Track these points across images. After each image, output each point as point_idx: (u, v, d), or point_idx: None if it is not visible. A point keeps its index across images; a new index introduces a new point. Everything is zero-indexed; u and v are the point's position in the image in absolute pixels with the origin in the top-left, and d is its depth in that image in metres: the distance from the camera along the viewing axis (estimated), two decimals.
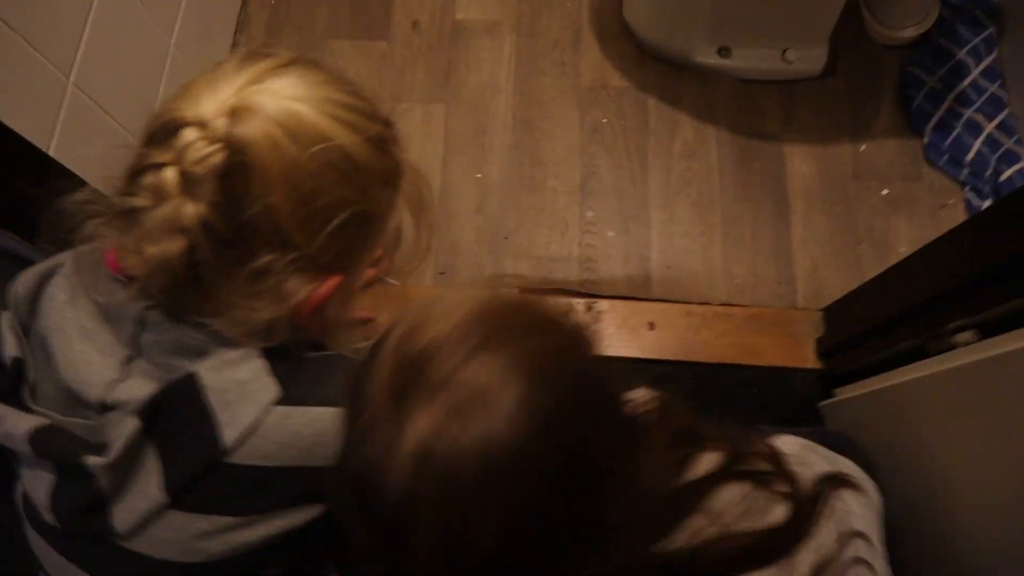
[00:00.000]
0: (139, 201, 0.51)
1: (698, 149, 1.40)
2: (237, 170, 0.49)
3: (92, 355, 0.54)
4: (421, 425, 0.39)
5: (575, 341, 0.46)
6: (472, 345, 0.42)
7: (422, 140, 1.41)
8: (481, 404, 0.39)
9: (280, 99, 0.52)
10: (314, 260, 0.54)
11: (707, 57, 1.41)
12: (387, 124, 0.59)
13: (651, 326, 1.27)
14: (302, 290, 0.55)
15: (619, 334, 1.26)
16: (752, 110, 1.42)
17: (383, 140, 0.58)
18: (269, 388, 0.55)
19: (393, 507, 0.40)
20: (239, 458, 0.54)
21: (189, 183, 0.49)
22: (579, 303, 1.29)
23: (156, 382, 0.53)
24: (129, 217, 0.52)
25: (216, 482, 0.54)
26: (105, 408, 0.54)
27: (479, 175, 1.39)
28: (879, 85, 1.44)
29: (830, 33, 1.38)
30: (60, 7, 0.95)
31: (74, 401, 0.55)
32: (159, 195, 0.50)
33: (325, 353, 0.62)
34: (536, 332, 0.45)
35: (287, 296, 0.54)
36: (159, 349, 0.55)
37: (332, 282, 0.57)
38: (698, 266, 1.32)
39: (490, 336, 0.42)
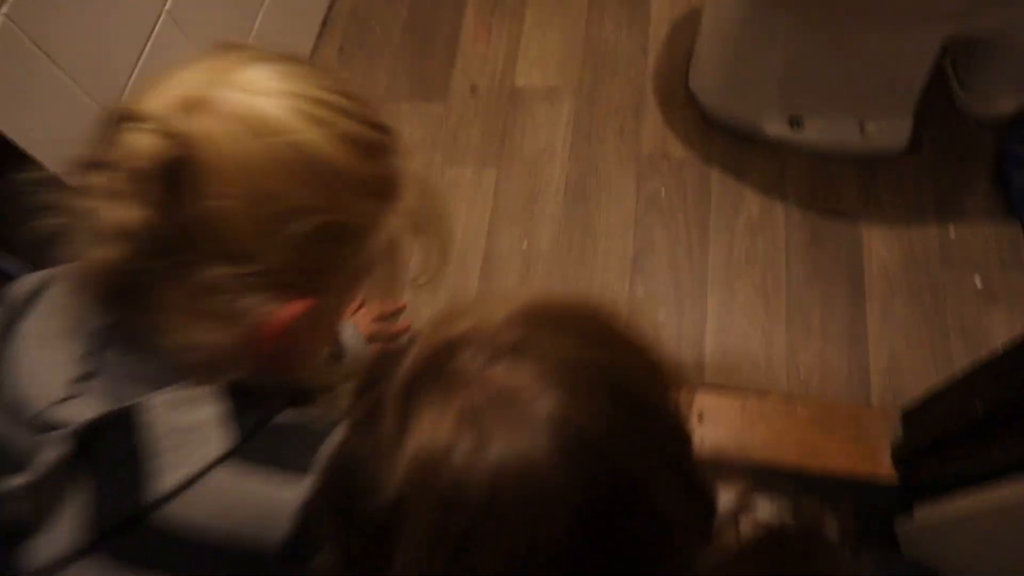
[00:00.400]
0: (86, 200, 0.46)
1: (764, 226, 1.29)
2: (185, 168, 0.44)
3: (43, 367, 0.50)
4: (427, 427, 0.33)
5: (643, 365, 0.39)
6: (508, 343, 0.35)
7: (470, 205, 1.36)
8: (503, 414, 0.33)
9: (245, 92, 0.47)
10: (276, 277, 0.48)
11: (777, 128, 1.31)
12: (382, 129, 0.53)
13: (700, 418, 1.14)
14: (258, 311, 0.48)
15: None
16: (826, 187, 1.31)
17: (372, 145, 0.51)
18: (221, 440, 0.49)
19: (382, 514, 0.34)
20: (172, 512, 0.47)
21: (135, 182, 0.45)
22: None
23: (107, 406, 0.48)
24: (80, 217, 0.47)
25: (145, 532, 0.47)
26: (45, 427, 0.48)
27: (525, 244, 1.32)
28: (971, 163, 1.31)
29: (915, 105, 1.26)
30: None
31: (17, 415, 0.50)
32: (105, 194, 0.45)
33: (303, 419, 0.54)
34: (592, 342, 0.37)
35: (239, 317, 0.48)
36: (119, 372, 0.50)
37: (299, 306, 0.50)
38: (758, 353, 1.20)
39: (533, 337, 0.35)
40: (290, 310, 0.50)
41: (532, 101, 1.45)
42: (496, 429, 0.32)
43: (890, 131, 1.29)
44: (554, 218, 1.34)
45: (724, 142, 1.36)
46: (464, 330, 0.36)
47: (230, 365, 0.50)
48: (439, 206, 0.58)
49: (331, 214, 0.49)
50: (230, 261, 0.47)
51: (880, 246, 1.26)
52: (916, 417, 1.06)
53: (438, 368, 0.35)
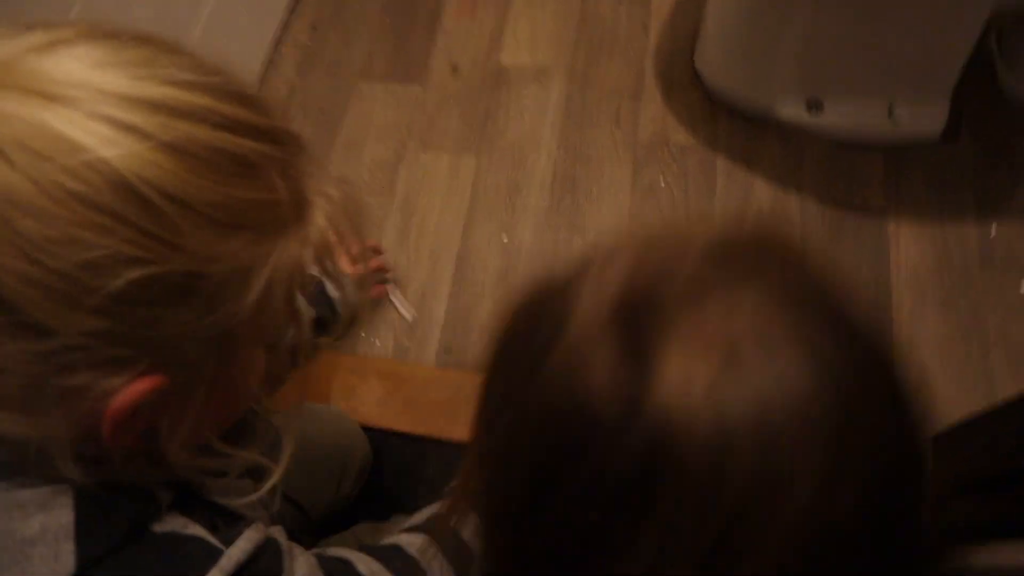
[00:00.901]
0: None
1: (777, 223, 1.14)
2: None
3: None
4: (678, 365, 0.28)
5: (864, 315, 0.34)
6: (733, 276, 0.31)
7: (446, 195, 1.22)
8: (756, 354, 0.28)
9: (21, 91, 0.34)
10: (98, 351, 0.36)
11: (792, 111, 1.16)
12: (267, 137, 0.39)
13: None
14: (84, 394, 0.37)
15: None
16: (848, 178, 1.16)
17: (241, 160, 0.38)
18: (61, 563, 0.39)
19: (629, 462, 0.29)
20: None
21: None
22: None
23: None
24: None
25: None
26: None
27: (506, 239, 1.17)
28: (1016, 153, 1.14)
29: (952, 87, 1.10)
30: None
31: None
32: None
33: (191, 529, 0.44)
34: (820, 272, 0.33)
35: (58, 401, 0.37)
36: None
37: (143, 384, 0.38)
38: None
39: (753, 268, 0.31)
40: (131, 391, 0.38)
41: (519, 82, 1.31)
42: (754, 367, 0.28)
43: (923, 116, 1.13)
44: (539, 211, 1.19)
45: (732, 127, 1.21)
46: (668, 267, 0.31)
47: (71, 459, 0.39)
48: (352, 215, 0.45)
49: (159, 263, 0.36)
50: (18, 334, 0.35)
51: (910, 245, 1.10)
52: (951, 448, 0.90)
53: (656, 309, 0.30)
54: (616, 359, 0.29)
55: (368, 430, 0.95)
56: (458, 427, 1.02)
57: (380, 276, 1.12)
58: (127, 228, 0.34)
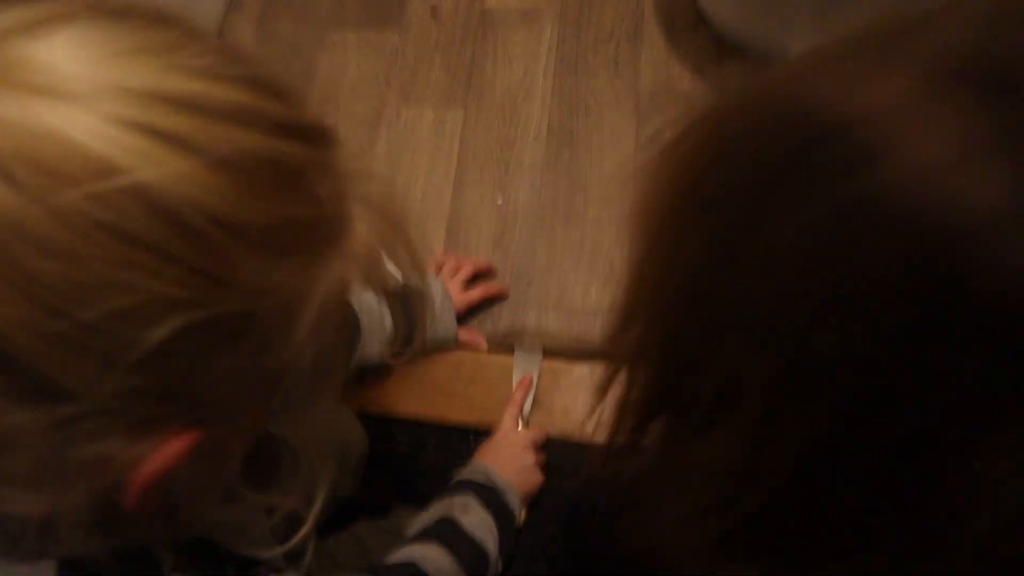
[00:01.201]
0: None
1: None
2: None
3: None
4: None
5: None
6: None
7: (432, 154, 1.11)
8: None
9: (26, 92, 0.26)
10: (125, 415, 0.30)
11: None
12: (311, 136, 0.33)
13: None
14: (107, 463, 0.31)
15: None
16: None
17: (291, 169, 0.32)
18: None
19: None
20: None
21: None
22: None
23: None
24: None
25: None
26: None
27: (500, 200, 1.07)
28: None
29: None
30: None
31: None
32: None
33: None
34: None
35: (74, 476, 0.31)
36: None
37: (176, 445, 0.32)
38: None
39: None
40: (164, 455, 0.32)
41: (506, 26, 1.19)
42: None
43: None
44: (535, 168, 1.09)
45: (742, 71, 1.11)
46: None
47: (82, 532, 0.34)
48: (404, 234, 0.39)
49: (207, 306, 0.29)
50: (31, 401, 0.29)
51: None
52: None
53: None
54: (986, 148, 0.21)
55: (362, 417, 0.86)
56: (457, 410, 0.93)
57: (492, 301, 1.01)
58: (172, 266, 0.28)
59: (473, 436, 0.95)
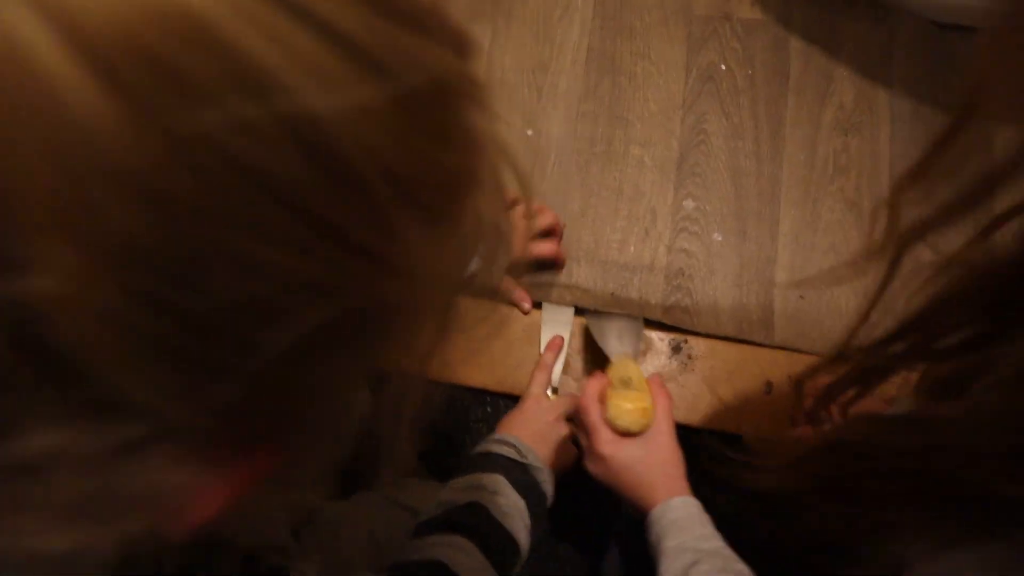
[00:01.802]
0: None
1: (862, 120, 0.93)
2: None
3: None
4: None
5: None
6: None
7: None
8: None
9: None
10: (204, 437, 0.22)
11: None
12: (462, 50, 0.24)
13: (768, 388, 0.83)
14: (163, 498, 0.23)
15: (719, 393, 0.83)
16: (950, 68, 0.95)
17: (463, 99, 0.24)
18: None
19: None
20: None
21: None
22: (662, 339, 0.85)
23: None
24: None
25: None
26: None
27: (531, 131, 0.95)
28: None
29: None
30: None
31: None
32: None
33: None
34: None
35: (110, 513, 0.23)
36: None
37: (251, 471, 0.25)
38: (850, 300, 0.87)
39: None
40: (237, 481, 0.25)
41: None
42: None
43: None
44: (571, 97, 0.96)
45: (810, 0, 0.98)
46: None
47: (97, 571, 0.27)
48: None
49: (352, 296, 0.22)
50: (90, 417, 0.20)
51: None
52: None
53: None
54: None
55: None
56: (473, 369, 0.83)
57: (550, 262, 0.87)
58: (326, 238, 0.20)
59: (489, 398, 0.85)
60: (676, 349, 0.85)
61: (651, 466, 0.67)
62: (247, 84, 0.17)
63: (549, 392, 0.80)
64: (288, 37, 0.18)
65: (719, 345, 0.85)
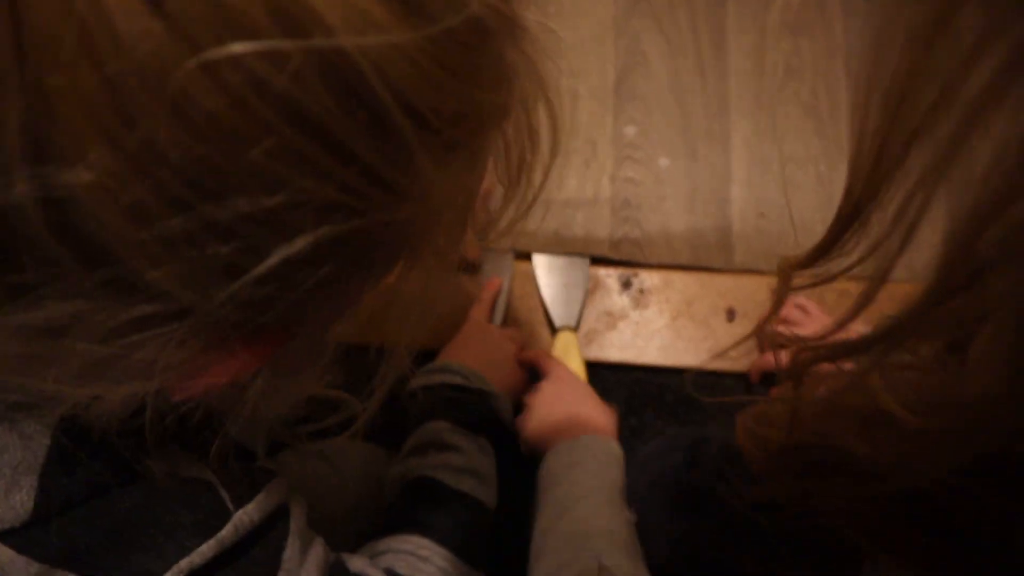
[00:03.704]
0: None
1: (811, 19, 0.86)
2: None
3: None
4: None
5: None
6: None
7: None
8: None
9: None
10: (214, 324, 0.24)
11: None
12: None
13: (730, 315, 0.76)
14: (172, 369, 0.25)
15: (676, 327, 0.76)
16: None
17: (480, 40, 0.23)
18: (15, 503, 0.30)
19: None
20: None
21: None
22: (609, 275, 0.78)
23: None
24: None
25: None
26: None
27: None
28: None
29: None
30: None
31: None
32: None
33: (175, 471, 0.34)
34: None
35: (124, 374, 0.26)
36: None
37: (256, 353, 0.28)
38: (813, 213, 0.79)
39: None
40: (240, 362, 0.28)
41: None
42: None
43: None
44: None
45: None
46: None
47: (104, 419, 0.30)
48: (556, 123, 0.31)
49: (364, 215, 0.23)
50: (111, 295, 0.22)
51: None
52: None
53: None
54: None
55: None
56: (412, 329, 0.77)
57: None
58: (345, 165, 0.21)
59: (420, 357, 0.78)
60: (626, 284, 0.78)
61: (570, 401, 0.65)
62: (288, 21, 0.18)
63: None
64: None
65: (674, 275, 0.78)
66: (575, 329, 0.75)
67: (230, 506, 0.36)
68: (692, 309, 0.76)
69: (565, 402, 0.65)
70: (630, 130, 0.84)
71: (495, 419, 0.63)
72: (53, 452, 0.32)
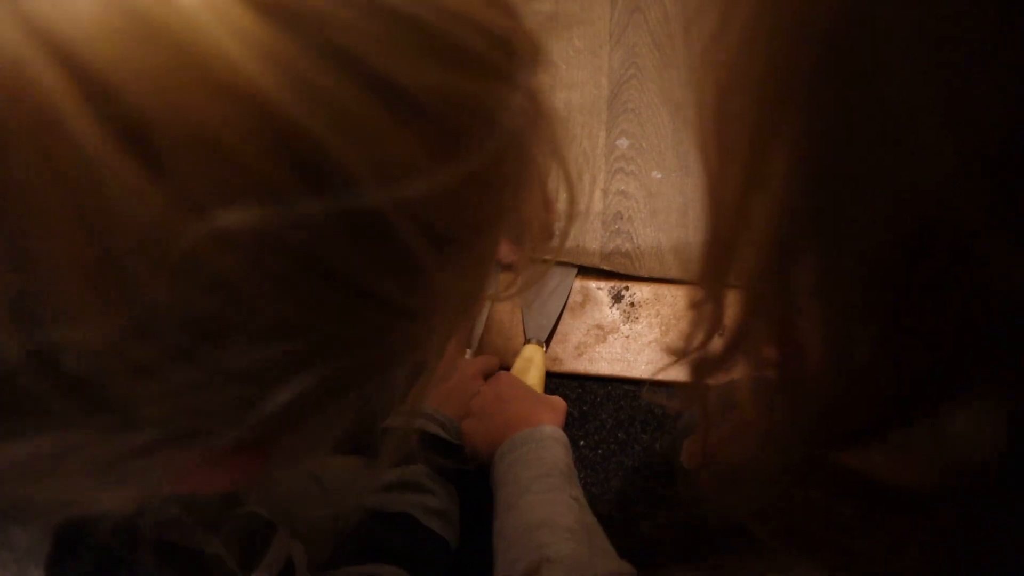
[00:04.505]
0: None
1: None
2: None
3: None
4: None
5: None
6: None
7: None
8: None
9: None
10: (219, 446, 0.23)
11: None
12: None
13: (722, 330, 0.75)
14: (169, 474, 0.25)
15: (666, 341, 0.75)
16: None
17: (506, 158, 0.23)
18: None
19: None
20: None
21: None
22: (600, 288, 0.78)
23: None
24: None
25: None
26: None
27: None
28: None
29: None
30: None
31: None
32: None
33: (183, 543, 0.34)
34: None
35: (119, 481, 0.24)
36: None
37: (254, 458, 0.26)
38: None
39: None
40: (235, 470, 0.27)
41: None
42: None
43: None
44: None
45: None
46: None
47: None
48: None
49: (365, 348, 0.22)
50: (101, 424, 0.21)
51: None
52: None
53: None
54: None
55: None
56: None
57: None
58: (365, 304, 0.21)
59: None
60: (617, 298, 0.77)
61: (509, 399, 0.66)
62: (310, 175, 0.17)
63: (468, 353, 0.73)
64: (358, 125, 0.18)
65: (664, 289, 0.78)
66: (544, 344, 0.75)
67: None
68: (682, 323, 0.76)
69: (503, 401, 0.66)
70: (623, 142, 0.84)
71: (464, 470, 0.65)
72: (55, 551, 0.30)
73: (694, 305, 0.32)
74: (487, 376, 0.70)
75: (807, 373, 0.27)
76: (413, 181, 0.19)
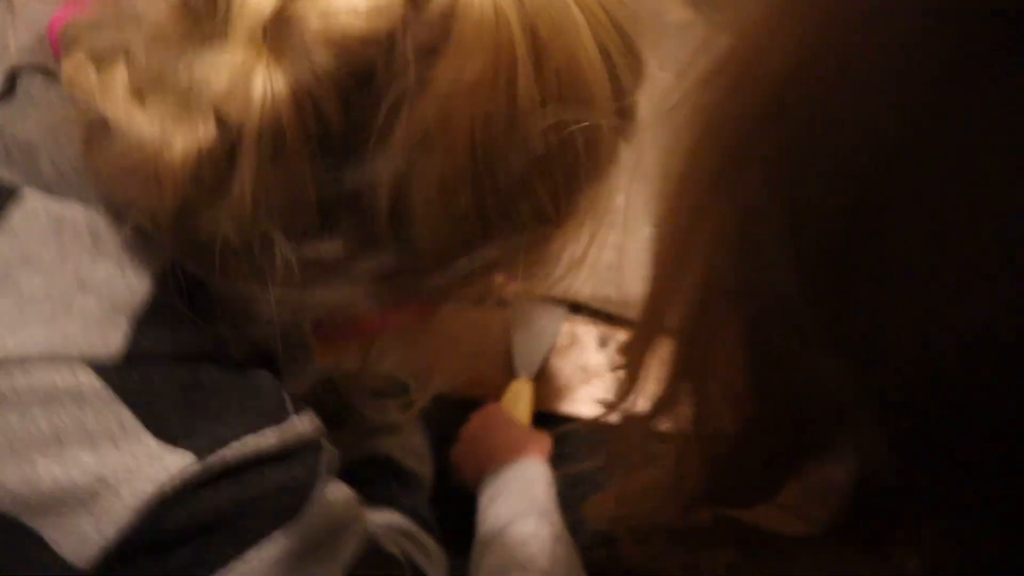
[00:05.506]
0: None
1: None
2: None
3: None
4: None
5: None
6: None
7: None
8: None
9: None
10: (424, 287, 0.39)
11: None
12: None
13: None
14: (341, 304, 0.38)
15: (650, 389, 0.86)
16: None
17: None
18: (105, 336, 0.33)
19: None
20: None
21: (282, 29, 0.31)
22: (588, 332, 0.90)
23: None
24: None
25: None
26: None
27: None
28: None
29: None
30: None
31: None
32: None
33: (251, 368, 0.39)
34: None
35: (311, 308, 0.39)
36: None
37: (420, 312, 0.44)
38: None
39: None
40: (399, 319, 0.43)
41: None
42: None
43: None
44: None
45: None
46: None
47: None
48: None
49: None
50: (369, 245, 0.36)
51: None
52: None
53: None
54: None
55: None
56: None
57: None
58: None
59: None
60: (603, 343, 0.88)
61: (494, 430, 0.71)
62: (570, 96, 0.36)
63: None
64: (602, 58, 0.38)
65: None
66: (532, 379, 0.80)
67: (289, 407, 0.38)
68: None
69: (490, 431, 0.70)
70: (617, 199, 0.92)
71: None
72: (153, 301, 0.34)
73: (618, 366, 0.36)
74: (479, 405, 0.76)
75: (711, 433, 0.31)
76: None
